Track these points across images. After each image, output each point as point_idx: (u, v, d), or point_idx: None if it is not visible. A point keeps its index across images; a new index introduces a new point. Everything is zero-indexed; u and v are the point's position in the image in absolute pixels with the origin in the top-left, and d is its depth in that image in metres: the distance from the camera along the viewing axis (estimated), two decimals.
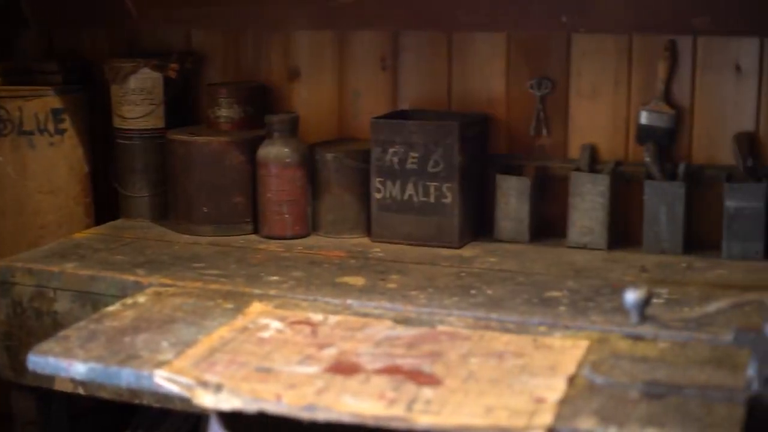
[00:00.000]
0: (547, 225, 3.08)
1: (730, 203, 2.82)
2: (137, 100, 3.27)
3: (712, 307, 1.98)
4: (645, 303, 2.00)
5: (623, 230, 3.02)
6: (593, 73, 3.04)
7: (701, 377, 1.94)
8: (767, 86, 2.88)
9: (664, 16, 2.88)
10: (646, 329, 2.19)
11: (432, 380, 1.95)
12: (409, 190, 2.97)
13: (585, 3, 2.93)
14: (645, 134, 2.98)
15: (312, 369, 2.01)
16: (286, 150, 3.04)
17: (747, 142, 2.90)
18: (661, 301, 2.44)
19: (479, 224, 3.08)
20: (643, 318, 2.07)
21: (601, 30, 2.98)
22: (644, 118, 2.98)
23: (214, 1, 3.31)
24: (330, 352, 2.09)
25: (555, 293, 2.53)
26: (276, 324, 2.26)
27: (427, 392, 1.89)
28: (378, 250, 2.96)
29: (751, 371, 1.88)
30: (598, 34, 3.00)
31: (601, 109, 3.05)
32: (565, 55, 3.06)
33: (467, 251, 2.94)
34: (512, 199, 3.02)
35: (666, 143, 2.98)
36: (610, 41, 3.01)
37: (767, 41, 2.87)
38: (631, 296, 1.98)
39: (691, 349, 2.10)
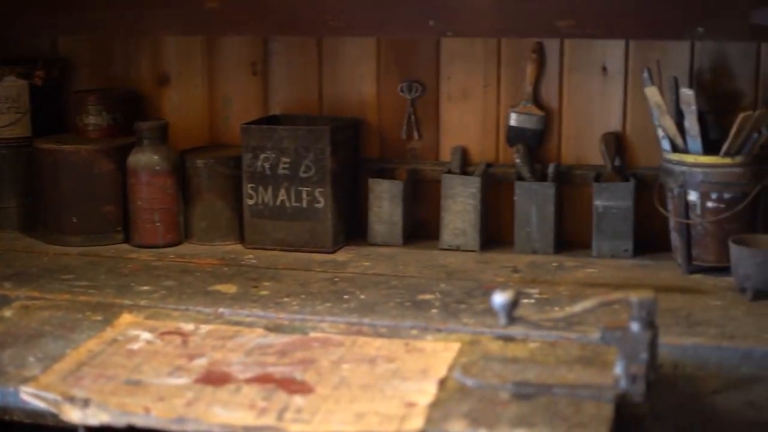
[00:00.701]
0: (421, 227, 3.10)
1: (598, 202, 2.87)
2: (2, 108, 3.20)
3: (578, 306, 1.99)
4: (513, 304, 2.01)
5: (495, 231, 3.04)
6: (463, 75, 3.06)
7: (570, 376, 1.97)
8: (633, 87, 2.93)
9: (530, 19, 2.91)
10: (517, 330, 2.21)
11: (303, 388, 1.94)
12: (282, 195, 2.96)
13: (452, 7, 2.94)
14: (515, 136, 3.02)
15: (182, 380, 1.98)
16: (156, 157, 3.01)
17: (614, 142, 2.95)
18: (531, 301, 2.48)
19: (353, 228, 3.08)
20: (512, 319, 2.08)
21: (469, 33, 3.00)
22: (513, 119, 3.02)
23: (80, 7, 3.24)
24: (200, 363, 2.07)
25: (427, 296, 2.54)
26: (146, 335, 2.23)
27: (299, 400, 1.88)
28: (251, 256, 2.94)
29: (618, 369, 1.90)
30: (466, 37, 3.02)
31: (471, 111, 3.07)
32: (434, 58, 3.07)
33: (341, 256, 2.94)
34: (385, 203, 3.02)
35: (535, 144, 3.01)
36: (478, 44, 3.03)
37: (632, 43, 2.92)
38: (499, 298, 1.99)
39: (560, 349, 2.13)
